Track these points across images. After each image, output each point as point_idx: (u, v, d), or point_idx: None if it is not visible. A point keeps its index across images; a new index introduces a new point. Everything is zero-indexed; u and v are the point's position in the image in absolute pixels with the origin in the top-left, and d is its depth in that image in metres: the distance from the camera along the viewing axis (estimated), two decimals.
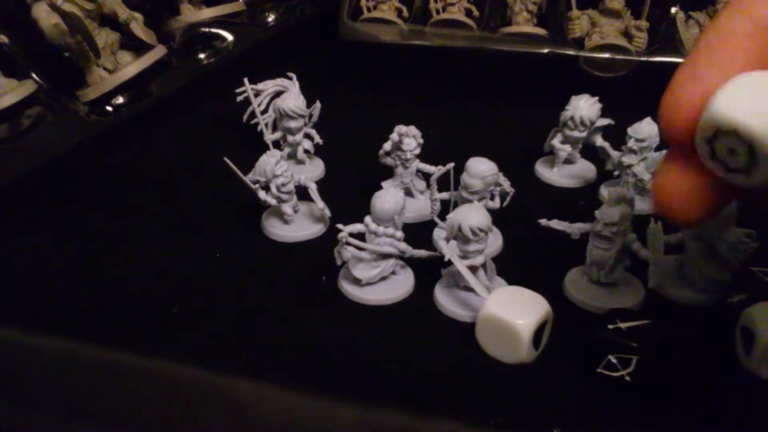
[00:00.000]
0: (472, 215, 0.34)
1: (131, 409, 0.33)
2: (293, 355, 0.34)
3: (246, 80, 0.48)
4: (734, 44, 0.21)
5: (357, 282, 0.37)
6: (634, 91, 0.57)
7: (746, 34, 0.21)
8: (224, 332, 0.35)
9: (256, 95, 0.49)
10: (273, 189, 0.41)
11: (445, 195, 0.41)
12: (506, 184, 0.41)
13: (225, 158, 0.41)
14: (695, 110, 0.20)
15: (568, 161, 0.49)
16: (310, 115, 0.49)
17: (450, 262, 0.36)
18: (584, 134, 0.47)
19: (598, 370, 0.32)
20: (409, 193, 0.44)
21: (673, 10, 0.59)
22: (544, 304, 0.33)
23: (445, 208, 0.41)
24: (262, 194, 0.41)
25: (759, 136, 0.17)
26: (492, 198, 0.40)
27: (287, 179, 0.41)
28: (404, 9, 0.62)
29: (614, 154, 0.46)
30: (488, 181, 0.39)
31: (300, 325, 0.36)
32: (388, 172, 0.45)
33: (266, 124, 0.49)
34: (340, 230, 0.36)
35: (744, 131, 0.17)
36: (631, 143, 0.43)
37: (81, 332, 0.35)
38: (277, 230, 0.43)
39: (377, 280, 0.37)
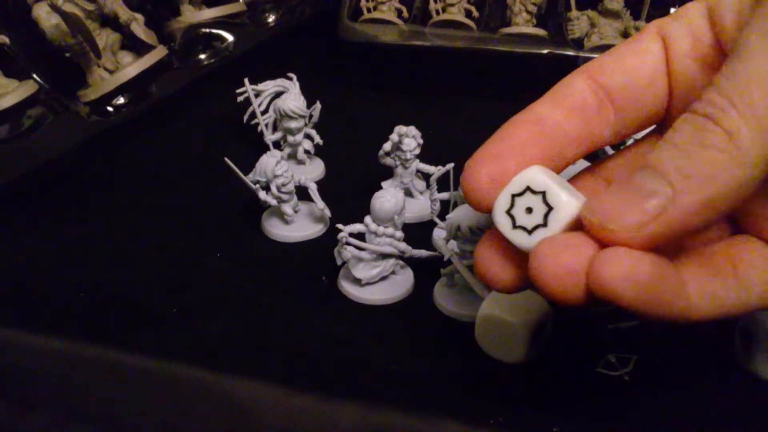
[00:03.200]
0: (472, 215, 0.35)
1: (131, 409, 0.33)
2: (293, 354, 0.34)
3: (246, 80, 0.48)
4: (529, 128, 0.24)
5: (357, 282, 0.37)
6: None
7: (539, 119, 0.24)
8: (224, 332, 0.35)
9: (257, 95, 0.49)
10: (273, 189, 0.41)
11: (445, 195, 0.41)
12: None
13: (225, 158, 0.41)
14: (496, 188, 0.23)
15: None
16: (311, 116, 0.49)
17: (450, 262, 0.36)
18: None
19: (598, 370, 0.32)
20: (409, 193, 0.45)
21: (673, 10, 0.59)
22: (543, 303, 0.33)
23: (445, 208, 0.41)
24: (262, 194, 0.42)
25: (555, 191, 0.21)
26: None
27: (287, 179, 0.41)
28: (404, 9, 0.62)
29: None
30: None
31: (300, 324, 0.36)
32: (388, 172, 0.45)
33: (266, 125, 0.49)
34: (340, 230, 0.36)
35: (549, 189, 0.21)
36: (629, 143, 0.43)
37: (81, 332, 0.35)
38: (277, 230, 0.43)
39: (377, 280, 0.37)
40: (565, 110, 0.24)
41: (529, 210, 0.21)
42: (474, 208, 0.23)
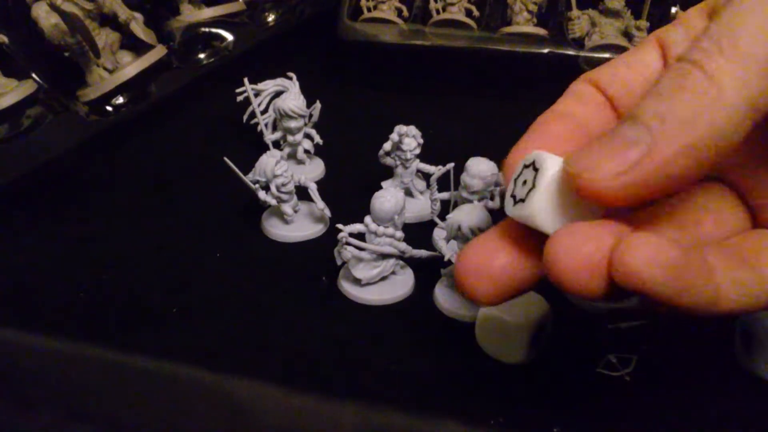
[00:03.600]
0: (472, 215, 0.34)
1: (131, 409, 0.33)
2: (293, 354, 0.34)
3: (246, 80, 0.48)
4: (562, 123, 0.24)
5: (357, 282, 0.37)
6: None
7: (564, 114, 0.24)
8: (224, 332, 0.35)
9: (256, 95, 0.49)
10: (273, 189, 0.41)
11: (445, 195, 0.41)
12: None
13: (225, 158, 0.41)
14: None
15: None
16: (310, 115, 0.49)
17: (450, 262, 0.36)
18: None
19: (598, 370, 0.32)
20: (409, 193, 0.44)
21: (673, 10, 0.59)
22: (543, 303, 0.33)
23: (445, 208, 0.41)
24: (262, 194, 0.41)
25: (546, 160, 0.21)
26: (492, 198, 0.40)
27: (287, 179, 0.41)
28: (404, 9, 0.62)
29: None
30: (488, 181, 0.39)
31: (300, 325, 0.36)
32: (388, 172, 0.45)
33: (266, 124, 0.49)
34: (340, 230, 0.36)
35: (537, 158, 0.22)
36: None
37: (81, 332, 0.35)
38: (277, 230, 0.43)
39: (377, 280, 0.37)
40: (587, 107, 0.24)
41: (525, 183, 0.22)
42: None
